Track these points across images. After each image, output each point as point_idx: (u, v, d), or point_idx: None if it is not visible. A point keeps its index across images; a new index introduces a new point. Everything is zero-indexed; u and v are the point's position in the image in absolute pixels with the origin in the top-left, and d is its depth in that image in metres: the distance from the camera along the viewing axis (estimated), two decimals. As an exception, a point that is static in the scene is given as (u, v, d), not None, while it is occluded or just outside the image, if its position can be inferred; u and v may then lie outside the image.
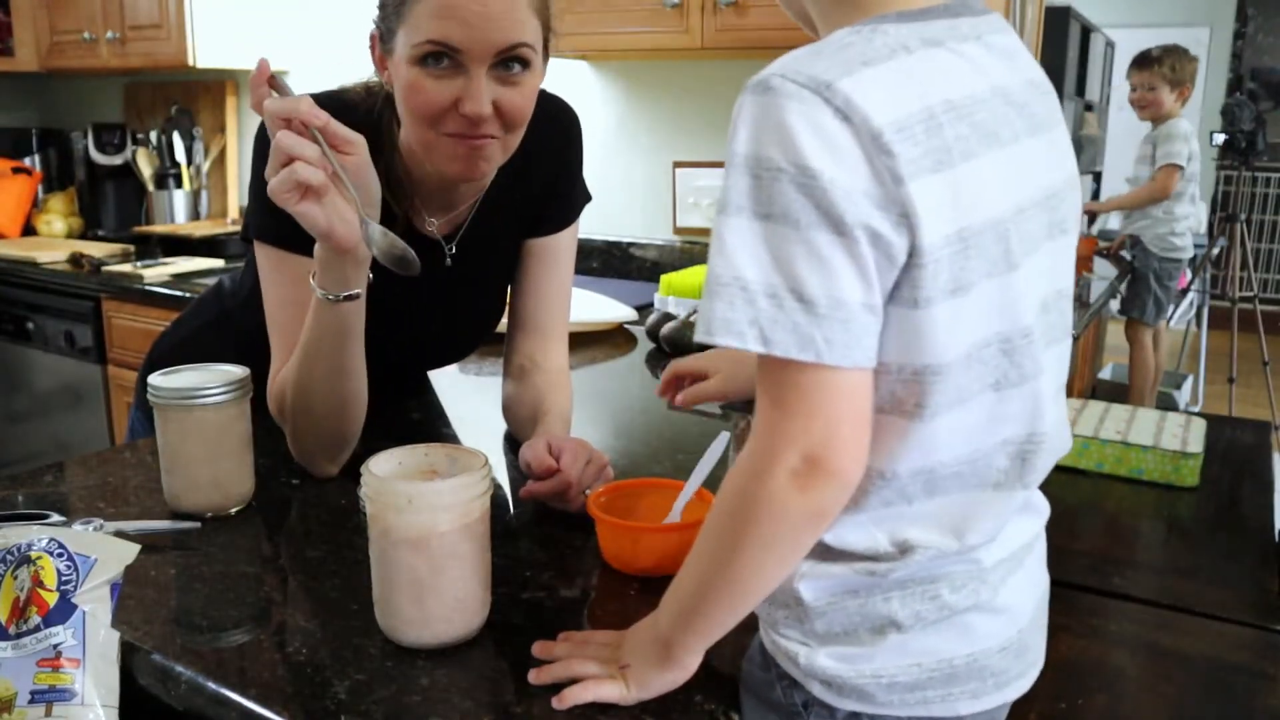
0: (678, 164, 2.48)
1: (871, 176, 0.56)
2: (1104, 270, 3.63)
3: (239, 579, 0.92)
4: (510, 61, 1.03)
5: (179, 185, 3.18)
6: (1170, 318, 3.98)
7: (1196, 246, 3.87)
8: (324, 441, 1.10)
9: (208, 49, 2.81)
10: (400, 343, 1.23)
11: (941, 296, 0.58)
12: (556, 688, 0.74)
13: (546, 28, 1.08)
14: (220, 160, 3.28)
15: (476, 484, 0.78)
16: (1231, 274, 4.15)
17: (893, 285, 0.58)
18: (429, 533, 0.77)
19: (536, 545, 1.00)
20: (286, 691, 0.74)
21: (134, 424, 1.44)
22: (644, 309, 2.08)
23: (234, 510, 1.05)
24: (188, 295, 2.42)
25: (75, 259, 2.84)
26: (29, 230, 3.37)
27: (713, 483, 0.97)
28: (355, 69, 1.18)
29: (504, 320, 1.35)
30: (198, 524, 1.01)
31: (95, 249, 2.94)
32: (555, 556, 0.97)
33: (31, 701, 0.76)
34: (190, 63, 2.79)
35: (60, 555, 0.81)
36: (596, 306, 2.02)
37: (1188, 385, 4.39)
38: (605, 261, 2.62)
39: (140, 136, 3.26)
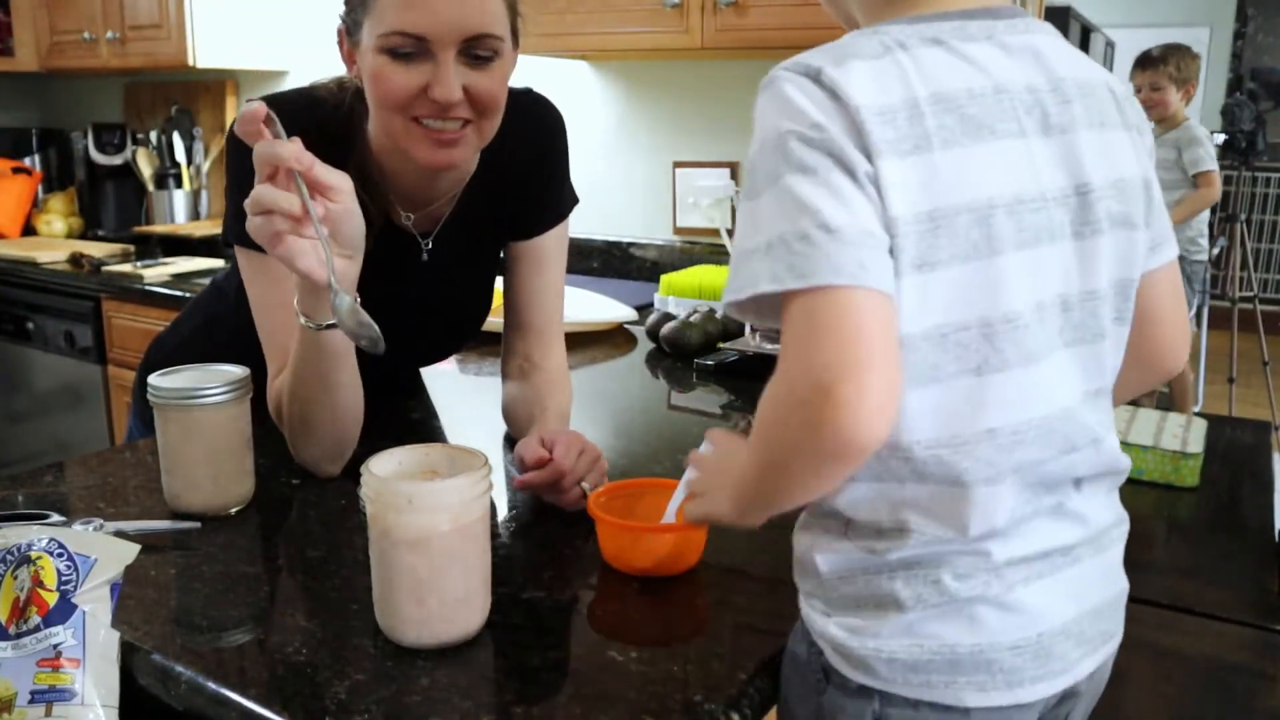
0: (678, 164, 2.48)
1: (856, 147, 0.61)
2: None
3: (239, 579, 0.92)
4: (478, 47, 1.02)
5: (179, 185, 3.18)
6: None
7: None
8: (323, 449, 1.10)
9: (208, 49, 2.81)
10: (386, 341, 1.21)
11: (907, 270, 0.62)
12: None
13: (514, 11, 1.07)
14: (220, 160, 3.28)
15: (476, 484, 0.78)
16: (1231, 274, 4.15)
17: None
18: (430, 533, 0.77)
19: (536, 545, 1.00)
20: (286, 691, 0.74)
21: (132, 431, 1.44)
22: (644, 309, 2.08)
23: (234, 510, 1.05)
24: (188, 295, 2.42)
25: (75, 259, 2.84)
26: (29, 230, 3.37)
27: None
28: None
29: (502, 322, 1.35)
30: (198, 524, 1.01)
31: (95, 249, 2.94)
32: (555, 556, 0.97)
33: (31, 701, 0.76)
34: (190, 63, 2.79)
35: (60, 555, 0.81)
36: (596, 306, 2.02)
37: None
38: (605, 261, 2.62)
39: (140, 136, 3.26)
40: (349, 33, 1.07)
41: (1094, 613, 0.72)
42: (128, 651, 0.80)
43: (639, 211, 2.58)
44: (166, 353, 1.40)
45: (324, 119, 1.12)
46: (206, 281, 2.47)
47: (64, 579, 0.79)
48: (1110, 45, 5.10)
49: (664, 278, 2.08)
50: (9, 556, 0.80)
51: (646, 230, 2.58)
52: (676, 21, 2.00)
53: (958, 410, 0.65)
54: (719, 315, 1.79)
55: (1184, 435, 1.25)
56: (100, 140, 3.26)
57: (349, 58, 1.09)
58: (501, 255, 1.32)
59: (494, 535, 0.84)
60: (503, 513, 1.08)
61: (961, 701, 0.67)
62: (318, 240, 0.91)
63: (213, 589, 0.90)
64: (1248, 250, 4.20)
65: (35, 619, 0.78)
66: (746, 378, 1.62)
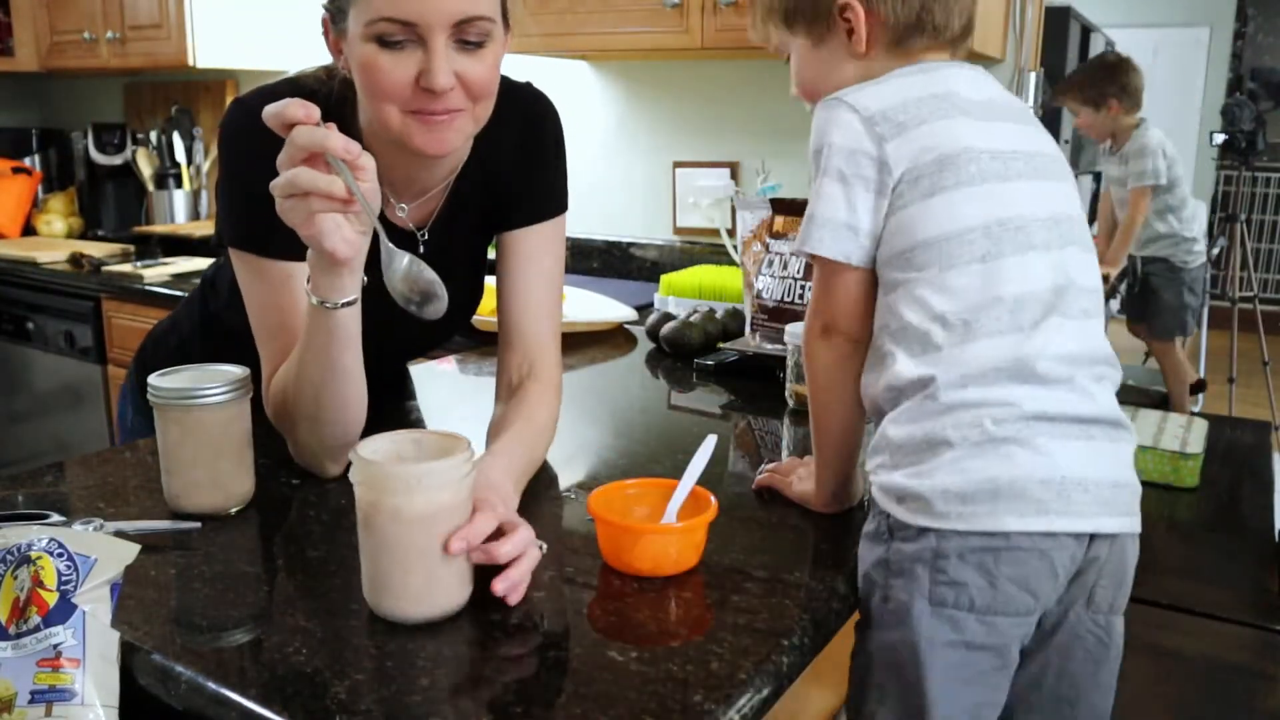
0: (678, 164, 2.48)
1: (870, 141, 0.91)
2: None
3: (239, 579, 0.92)
4: (469, 31, 1.00)
5: (179, 185, 3.18)
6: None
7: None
8: (327, 443, 1.10)
9: (208, 49, 2.81)
10: (370, 331, 1.19)
11: (919, 199, 0.89)
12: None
13: None
14: (220, 160, 3.28)
15: (459, 465, 0.84)
16: (1231, 274, 4.15)
17: (887, 207, 0.90)
18: (437, 509, 0.83)
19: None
20: (286, 691, 0.74)
21: (123, 415, 1.43)
22: (644, 309, 2.08)
23: (234, 510, 1.05)
24: (187, 295, 2.42)
25: (75, 259, 2.84)
26: (29, 230, 3.38)
27: (705, 482, 0.98)
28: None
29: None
30: (198, 524, 1.01)
31: (95, 249, 2.94)
32: (555, 556, 0.97)
33: (31, 701, 0.76)
34: (190, 63, 2.79)
35: (60, 555, 0.81)
36: (596, 306, 2.02)
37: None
38: (605, 261, 2.62)
39: (140, 136, 3.26)
40: (334, 21, 1.04)
41: (1111, 484, 0.86)
42: (128, 651, 0.80)
43: (639, 211, 2.58)
44: (167, 352, 1.40)
45: None
46: (206, 281, 2.48)
47: (64, 579, 0.79)
48: (1110, 45, 5.10)
49: (664, 278, 2.08)
50: (9, 556, 0.80)
51: (646, 230, 2.58)
52: (676, 21, 2.00)
53: (973, 287, 0.88)
54: (719, 315, 1.79)
55: (1184, 436, 1.25)
56: (100, 140, 3.26)
57: (335, 47, 1.07)
58: (492, 257, 1.31)
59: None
60: (503, 513, 1.08)
61: (1003, 526, 0.83)
62: (342, 218, 0.90)
63: (213, 589, 0.90)
64: (1248, 250, 4.20)
65: (35, 619, 0.78)
66: (746, 378, 1.62)
